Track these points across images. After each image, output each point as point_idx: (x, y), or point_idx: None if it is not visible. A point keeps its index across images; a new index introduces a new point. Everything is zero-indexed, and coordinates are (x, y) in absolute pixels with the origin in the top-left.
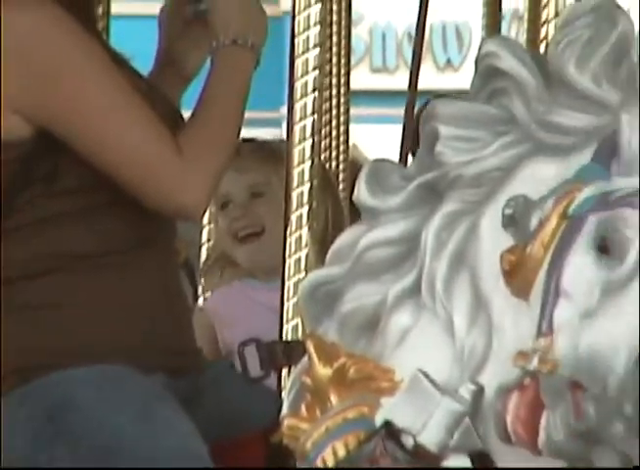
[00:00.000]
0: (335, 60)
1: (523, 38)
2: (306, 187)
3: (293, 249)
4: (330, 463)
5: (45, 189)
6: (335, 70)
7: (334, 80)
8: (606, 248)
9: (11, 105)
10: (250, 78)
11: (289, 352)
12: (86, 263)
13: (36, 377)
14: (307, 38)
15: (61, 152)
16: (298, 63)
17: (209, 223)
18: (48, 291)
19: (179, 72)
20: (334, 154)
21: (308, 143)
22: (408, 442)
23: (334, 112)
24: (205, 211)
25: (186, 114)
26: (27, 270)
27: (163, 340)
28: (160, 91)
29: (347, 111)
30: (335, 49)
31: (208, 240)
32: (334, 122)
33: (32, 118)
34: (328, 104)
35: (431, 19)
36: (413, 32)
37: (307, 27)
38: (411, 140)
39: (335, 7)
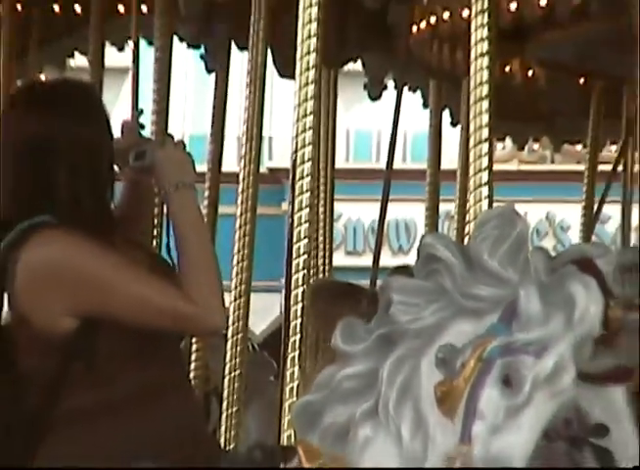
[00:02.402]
0: (321, 246)
1: (453, 233)
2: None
3: (288, 380)
4: None
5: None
6: (321, 254)
7: (320, 261)
8: (508, 382)
9: (65, 311)
10: (198, 207)
11: (285, 454)
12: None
13: None
14: (300, 232)
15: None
16: (294, 248)
17: (232, 359)
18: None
19: (141, 218)
20: None
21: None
22: None
23: None
24: None
25: None
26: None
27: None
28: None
29: None
30: (321, 238)
31: (230, 372)
32: None
33: (82, 314)
34: (316, 278)
35: (388, 216)
36: (376, 226)
37: (300, 224)
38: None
39: (321, 209)
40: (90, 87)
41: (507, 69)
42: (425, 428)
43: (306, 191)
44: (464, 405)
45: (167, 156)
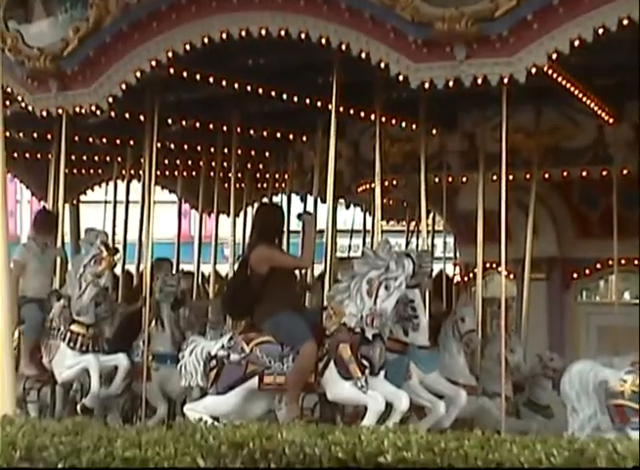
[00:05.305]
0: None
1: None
2: None
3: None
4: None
5: (266, 282)
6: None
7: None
8: (387, 288)
9: (264, 266)
10: (312, 233)
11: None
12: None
13: (270, 318)
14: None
15: (268, 276)
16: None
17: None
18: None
19: None
20: None
21: None
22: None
23: None
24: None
25: None
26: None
27: (297, 305)
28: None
29: None
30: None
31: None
32: None
33: (267, 266)
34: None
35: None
36: None
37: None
38: None
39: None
40: (278, 205)
41: None
42: (363, 300)
43: None
44: (374, 294)
45: (307, 217)
